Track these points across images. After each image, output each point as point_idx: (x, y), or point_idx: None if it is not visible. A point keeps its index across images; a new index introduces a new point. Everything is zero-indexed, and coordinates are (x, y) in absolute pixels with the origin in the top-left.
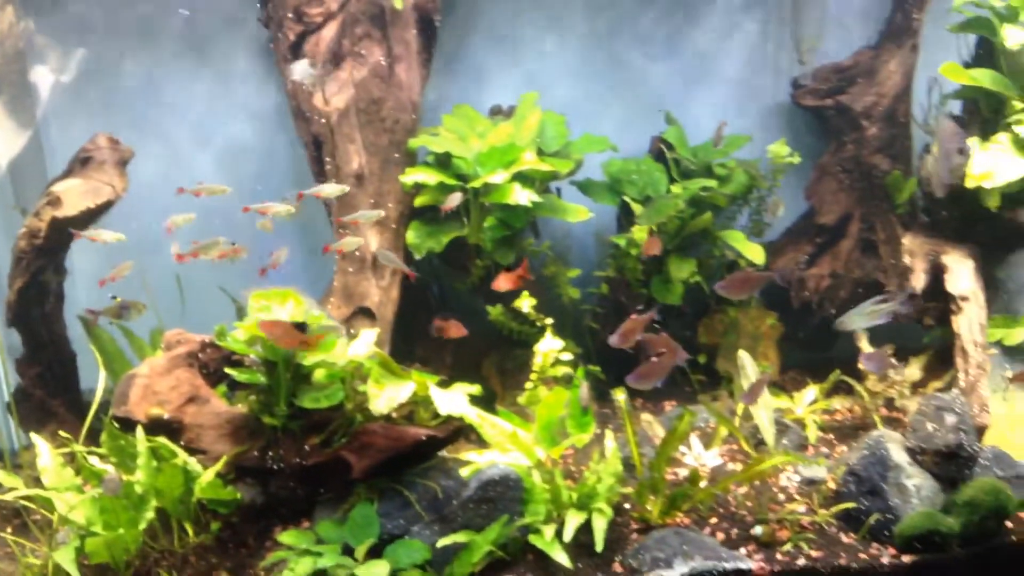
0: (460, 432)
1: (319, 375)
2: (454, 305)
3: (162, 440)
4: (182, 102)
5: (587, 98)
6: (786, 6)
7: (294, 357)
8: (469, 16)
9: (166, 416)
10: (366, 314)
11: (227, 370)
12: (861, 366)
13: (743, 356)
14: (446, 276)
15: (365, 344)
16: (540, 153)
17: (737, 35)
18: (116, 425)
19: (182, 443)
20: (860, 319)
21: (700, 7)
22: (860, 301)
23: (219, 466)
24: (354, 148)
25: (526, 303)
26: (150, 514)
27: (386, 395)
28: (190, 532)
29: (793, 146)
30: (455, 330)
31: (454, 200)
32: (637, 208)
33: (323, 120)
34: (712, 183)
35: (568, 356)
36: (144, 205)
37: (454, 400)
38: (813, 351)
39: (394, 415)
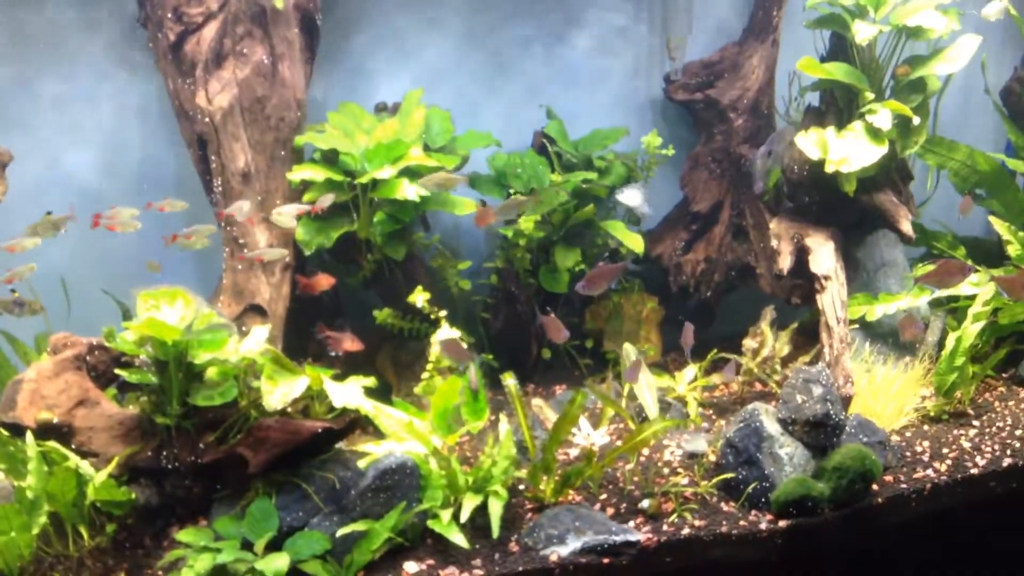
0: (356, 424)
1: (212, 373)
2: (347, 300)
3: (53, 444)
4: (60, 102)
5: (470, 94)
6: (656, 5)
7: (185, 356)
8: (351, 15)
9: (56, 420)
10: (257, 311)
11: (117, 371)
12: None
13: (626, 346)
14: (337, 272)
15: (257, 341)
16: (426, 149)
17: (611, 33)
18: (5, 431)
19: (73, 447)
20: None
21: (574, 6)
22: (733, 283)
23: (111, 468)
24: (239, 146)
25: (420, 298)
26: (43, 519)
27: (280, 391)
28: (85, 535)
29: (668, 139)
30: (350, 343)
31: (326, 201)
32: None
33: (207, 119)
34: (593, 175)
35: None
36: (24, 208)
37: (349, 393)
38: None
39: (289, 410)
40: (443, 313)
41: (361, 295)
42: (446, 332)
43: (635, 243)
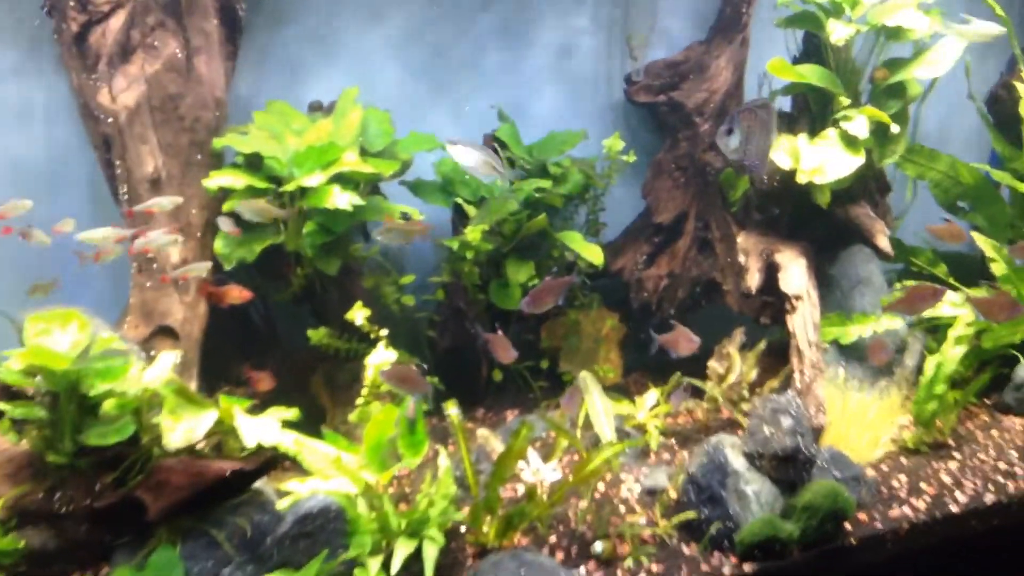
0: (273, 462)
1: (108, 406)
2: (279, 313)
3: None
4: None
5: (414, 94)
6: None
7: (79, 387)
8: (283, 3)
9: None
10: (168, 334)
11: (1, 405)
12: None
13: (582, 374)
14: (264, 288)
15: (162, 368)
16: (363, 153)
17: (570, 29)
18: None
19: None
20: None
21: (531, 2)
22: (698, 300)
23: None
24: (148, 149)
25: (359, 315)
26: None
27: (182, 428)
28: None
29: (630, 144)
30: (266, 382)
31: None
32: (470, 210)
33: (111, 120)
34: (547, 183)
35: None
36: None
37: (263, 428)
38: (656, 352)
39: (200, 446)
40: (384, 332)
41: (296, 309)
42: (382, 354)
43: (593, 255)
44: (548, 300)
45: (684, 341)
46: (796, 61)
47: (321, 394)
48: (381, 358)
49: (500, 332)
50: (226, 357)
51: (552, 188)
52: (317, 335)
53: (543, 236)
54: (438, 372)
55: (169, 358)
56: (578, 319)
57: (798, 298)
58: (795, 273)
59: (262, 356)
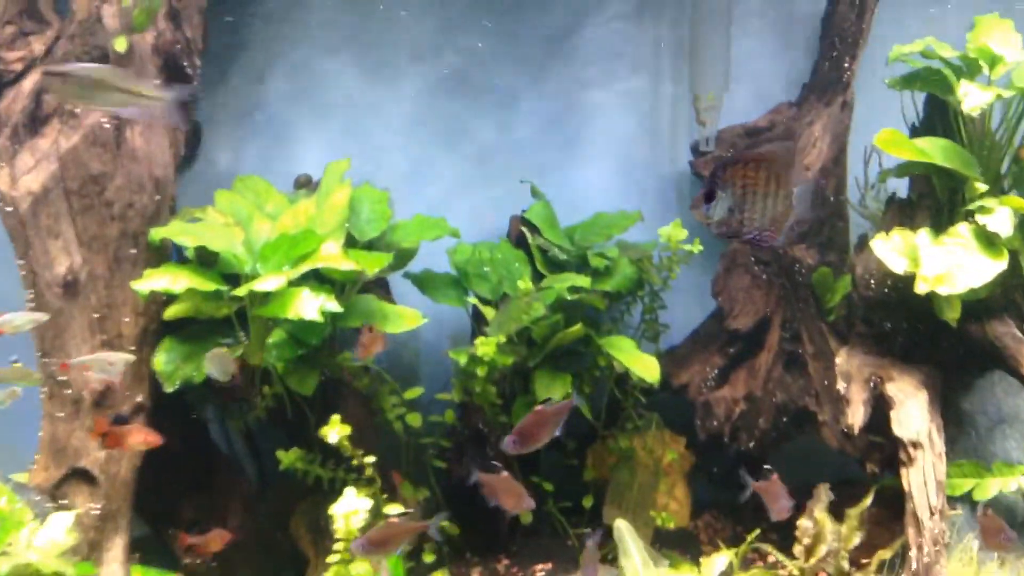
0: None
1: None
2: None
3: None
4: None
5: (426, 166)
6: (682, 52)
7: None
8: (266, 58)
9: None
10: (84, 477)
11: None
12: None
13: (617, 523)
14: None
15: (55, 534)
16: (351, 242)
17: (621, 87)
18: None
19: None
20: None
21: (571, 50)
22: (785, 432)
23: None
24: (60, 245)
25: (333, 432)
26: None
27: None
28: None
29: (695, 229)
30: (216, 542)
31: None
32: (488, 312)
33: (10, 208)
34: (584, 281)
35: (396, 510)
36: None
37: None
38: (732, 488)
39: None
40: (370, 459)
41: (271, 431)
42: (351, 502)
43: (647, 370)
44: (542, 434)
45: (775, 500)
46: (915, 132)
47: (302, 538)
48: (349, 507)
49: (504, 473)
50: (177, 493)
51: (593, 285)
52: (288, 458)
53: (586, 342)
54: (450, 512)
55: (63, 520)
56: (631, 445)
57: (916, 446)
58: (913, 411)
59: (227, 491)
